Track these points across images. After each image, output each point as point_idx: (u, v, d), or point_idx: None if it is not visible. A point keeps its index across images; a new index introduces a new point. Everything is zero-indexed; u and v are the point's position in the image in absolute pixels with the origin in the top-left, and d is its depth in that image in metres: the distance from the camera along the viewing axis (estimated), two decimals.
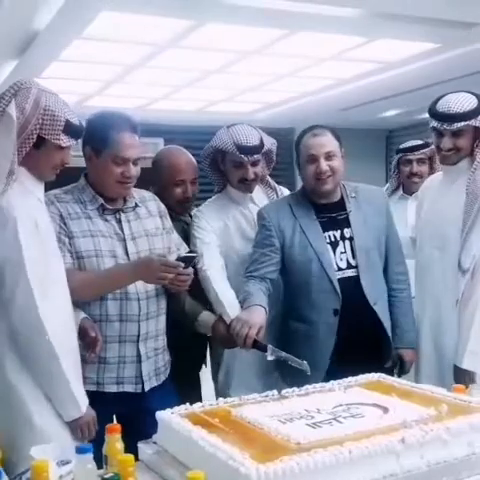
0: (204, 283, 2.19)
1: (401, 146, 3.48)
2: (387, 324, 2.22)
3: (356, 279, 2.17)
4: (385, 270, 2.30)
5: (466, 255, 2.21)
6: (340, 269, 2.18)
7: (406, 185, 3.34)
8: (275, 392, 1.64)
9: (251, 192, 2.36)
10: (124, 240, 1.98)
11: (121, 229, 1.99)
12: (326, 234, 2.20)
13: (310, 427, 1.38)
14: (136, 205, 2.05)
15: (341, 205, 2.24)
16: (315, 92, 6.01)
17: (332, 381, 1.72)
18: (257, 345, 1.96)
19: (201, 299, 2.19)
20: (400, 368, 2.28)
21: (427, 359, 2.35)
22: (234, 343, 2.04)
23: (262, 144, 2.27)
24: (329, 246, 2.19)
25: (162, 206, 2.15)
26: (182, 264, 1.88)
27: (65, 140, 1.72)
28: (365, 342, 2.13)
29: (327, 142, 2.18)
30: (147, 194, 2.15)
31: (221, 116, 6.48)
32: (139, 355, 1.97)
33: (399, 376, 2.25)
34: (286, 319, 2.28)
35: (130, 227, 2.00)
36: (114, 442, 1.41)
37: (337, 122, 7.20)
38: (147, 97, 6.02)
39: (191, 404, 1.56)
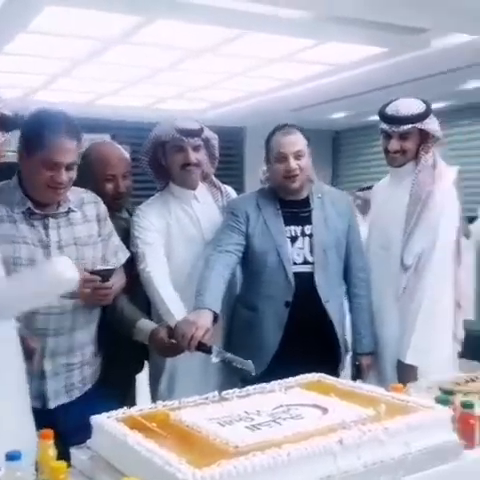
0: (147, 285, 2.13)
1: None
2: (338, 324, 2.24)
3: (310, 275, 2.20)
4: (346, 274, 2.33)
5: (408, 253, 2.30)
6: (295, 263, 2.20)
7: None
8: (216, 394, 1.61)
9: (194, 188, 2.31)
10: (48, 247, 1.83)
11: (47, 236, 1.85)
12: (287, 228, 2.23)
13: (249, 430, 1.35)
14: (70, 210, 1.91)
15: (306, 203, 2.28)
16: (265, 92, 6.03)
17: (273, 381, 1.71)
18: (202, 347, 1.90)
19: (139, 304, 2.11)
20: (357, 374, 2.31)
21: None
22: (173, 351, 1.99)
23: (202, 129, 2.27)
24: (288, 240, 2.21)
25: (102, 209, 2.00)
26: (98, 278, 1.79)
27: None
28: (314, 340, 2.15)
29: (297, 141, 2.23)
30: (87, 196, 1.99)
31: (170, 113, 6.41)
32: (43, 371, 1.86)
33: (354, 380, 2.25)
34: (237, 306, 2.29)
35: (58, 234, 1.86)
36: (46, 448, 1.36)
37: (287, 121, 7.32)
38: (95, 92, 5.92)
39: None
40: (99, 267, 1.86)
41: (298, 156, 2.21)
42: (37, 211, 1.86)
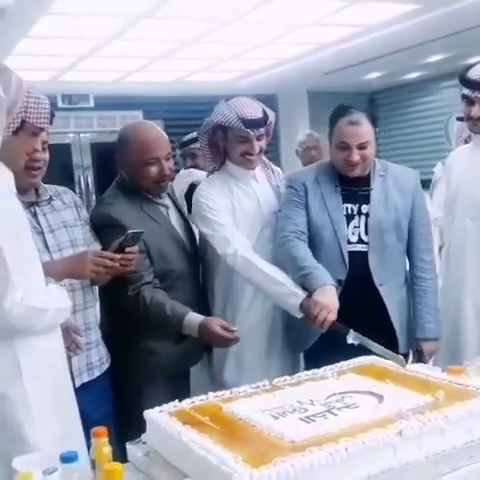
0: (245, 269, 2.08)
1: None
2: (392, 308, 2.14)
3: (365, 255, 2.13)
4: (409, 256, 2.23)
5: None
6: (350, 242, 2.14)
7: None
8: (266, 382, 1.59)
9: (254, 169, 2.26)
10: (42, 233, 1.87)
11: (38, 223, 1.87)
12: (344, 206, 2.17)
13: (304, 422, 1.33)
14: (50, 198, 1.95)
15: (366, 181, 2.19)
16: (296, 58, 5.88)
17: (324, 367, 1.68)
18: (336, 328, 1.94)
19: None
20: (418, 359, 2.20)
21: (470, 331, 2.34)
22: (227, 341, 1.98)
23: (266, 116, 2.19)
24: (344, 218, 2.16)
25: (76, 197, 2.08)
26: (118, 256, 1.82)
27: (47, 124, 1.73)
28: (366, 320, 2.03)
29: (363, 133, 2.09)
30: (60, 188, 2.05)
31: (201, 85, 6.36)
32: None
33: None
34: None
35: (47, 220, 1.90)
36: (101, 447, 1.36)
37: (320, 86, 7.15)
38: (122, 70, 5.87)
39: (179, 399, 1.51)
40: (129, 231, 1.86)
41: (362, 148, 2.10)
42: (22, 199, 1.81)
